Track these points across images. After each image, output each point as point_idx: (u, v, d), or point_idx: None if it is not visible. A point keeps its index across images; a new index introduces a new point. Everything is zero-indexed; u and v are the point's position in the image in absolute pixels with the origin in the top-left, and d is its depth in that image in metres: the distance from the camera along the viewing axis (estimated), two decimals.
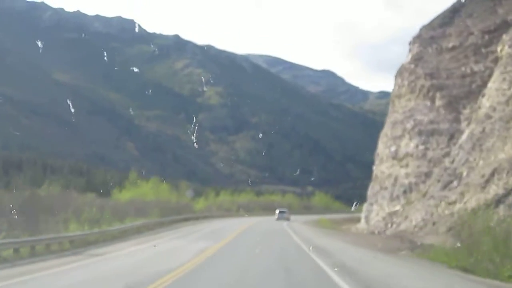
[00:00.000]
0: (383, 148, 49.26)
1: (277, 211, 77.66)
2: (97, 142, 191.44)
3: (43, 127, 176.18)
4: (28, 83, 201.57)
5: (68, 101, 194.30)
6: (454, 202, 30.74)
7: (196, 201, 70.47)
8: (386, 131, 49.97)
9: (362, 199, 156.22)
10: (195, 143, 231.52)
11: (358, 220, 66.57)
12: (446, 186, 33.92)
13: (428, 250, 23.74)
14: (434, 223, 31.46)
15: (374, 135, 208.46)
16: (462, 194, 31.02)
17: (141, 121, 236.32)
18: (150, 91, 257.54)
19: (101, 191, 43.52)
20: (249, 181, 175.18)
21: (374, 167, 52.63)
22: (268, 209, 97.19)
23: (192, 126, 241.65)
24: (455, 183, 33.20)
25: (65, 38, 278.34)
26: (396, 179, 43.95)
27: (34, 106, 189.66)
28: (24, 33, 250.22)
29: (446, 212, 30.90)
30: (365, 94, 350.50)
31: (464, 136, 37.09)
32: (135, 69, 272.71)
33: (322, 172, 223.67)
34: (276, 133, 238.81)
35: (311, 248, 26.64)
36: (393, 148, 46.14)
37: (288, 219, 72.96)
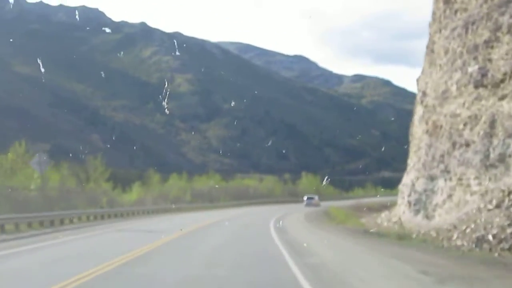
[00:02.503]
0: (439, 77, 25.69)
1: (305, 197, 73.67)
2: (59, 135, 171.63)
3: (2, 121, 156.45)
4: None
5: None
6: None
7: (127, 191, 46.80)
8: (442, 44, 26.31)
9: (344, 183, 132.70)
10: None
11: (370, 207, 43.72)
12: None
13: None
14: None
15: (351, 118, 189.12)
16: None
17: (107, 111, 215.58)
18: (116, 80, 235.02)
19: None
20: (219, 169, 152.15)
21: (416, 116, 29.32)
22: (241, 198, 73.15)
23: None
24: None
25: (28, 29, 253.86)
26: (492, 123, 20.48)
27: None
28: None
29: None
30: (339, 78, 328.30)
31: None
32: (100, 59, 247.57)
33: (300, 158, 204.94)
34: (249, 120, 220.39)
35: None
36: (473, 68, 22.49)
37: (318, 205, 67.14)
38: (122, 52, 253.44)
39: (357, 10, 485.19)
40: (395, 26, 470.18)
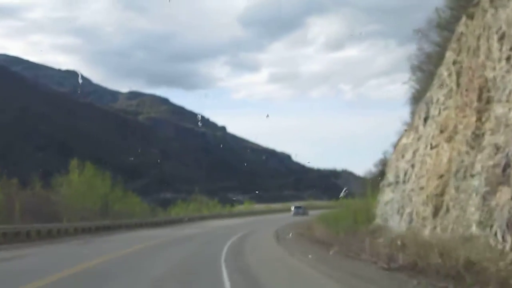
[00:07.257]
0: None
1: (292, 208, 73.05)
2: None
3: None
4: None
5: None
6: None
7: None
8: None
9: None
10: None
11: None
12: None
13: None
14: None
15: (127, 136, 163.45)
16: None
17: None
18: None
19: None
20: None
21: None
22: None
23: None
24: None
25: None
26: None
27: None
28: None
29: None
30: (114, 94, 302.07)
31: None
32: None
33: None
34: (14, 135, 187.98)
35: None
36: None
37: (305, 214, 65.58)
38: None
39: (132, 30, 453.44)
40: (168, 48, 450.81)
